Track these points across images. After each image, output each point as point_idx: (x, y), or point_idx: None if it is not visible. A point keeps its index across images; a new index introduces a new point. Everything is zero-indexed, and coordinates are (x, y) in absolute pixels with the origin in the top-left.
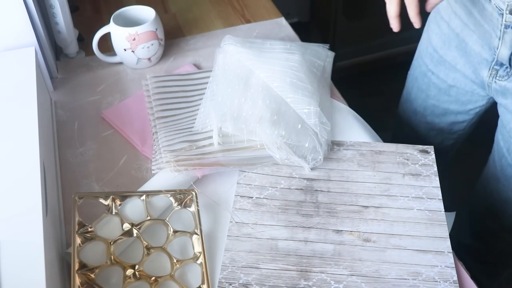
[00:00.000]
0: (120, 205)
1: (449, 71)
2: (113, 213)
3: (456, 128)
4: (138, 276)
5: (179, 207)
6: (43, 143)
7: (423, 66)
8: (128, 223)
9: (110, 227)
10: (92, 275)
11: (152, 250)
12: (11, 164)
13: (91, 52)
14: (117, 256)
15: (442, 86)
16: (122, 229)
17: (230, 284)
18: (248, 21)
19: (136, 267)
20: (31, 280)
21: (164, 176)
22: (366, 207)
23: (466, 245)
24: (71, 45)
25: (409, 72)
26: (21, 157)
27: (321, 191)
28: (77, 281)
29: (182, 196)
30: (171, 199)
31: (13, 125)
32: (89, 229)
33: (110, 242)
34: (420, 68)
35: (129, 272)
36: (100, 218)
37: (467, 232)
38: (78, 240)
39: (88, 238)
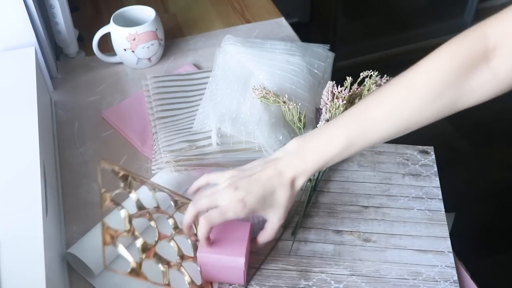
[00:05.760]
0: (133, 189)
1: None
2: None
3: None
4: (153, 255)
5: (177, 212)
6: (43, 143)
7: None
8: (142, 208)
9: (127, 205)
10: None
11: (168, 238)
12: (11, 164)
13: (91, 52)
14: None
15: None
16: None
17: (230, 284)
18: (248, 21)
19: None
20: (31, 280)
21: (164, 176)
22: (366, 207)
23: (466, 245)
24: (71, 45)
25: None
26: (21, 157)
27: (321, 191)
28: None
29: (179, 203)
30: (171, 202)
31: (13, 125)
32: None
33: (131, 215)
34: None
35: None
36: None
37: (467, 232)
38: (108, 197)
39: (115, 202)
